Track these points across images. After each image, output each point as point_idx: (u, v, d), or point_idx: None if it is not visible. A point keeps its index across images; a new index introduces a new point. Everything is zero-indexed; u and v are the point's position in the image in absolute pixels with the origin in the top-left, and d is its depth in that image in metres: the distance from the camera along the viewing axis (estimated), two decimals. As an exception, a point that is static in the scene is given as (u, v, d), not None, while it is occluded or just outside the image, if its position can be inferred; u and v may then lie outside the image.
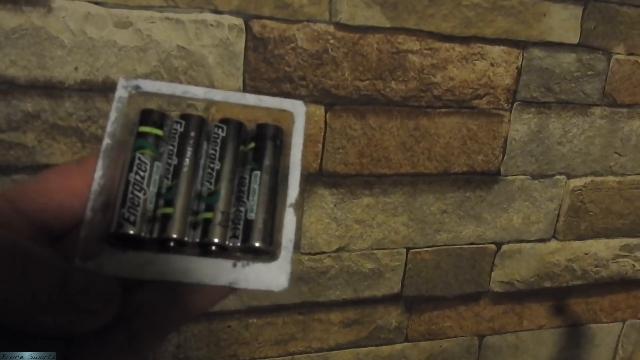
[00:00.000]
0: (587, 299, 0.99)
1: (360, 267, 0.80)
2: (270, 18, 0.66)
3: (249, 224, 0.23)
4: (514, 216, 0.87)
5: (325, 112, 0.71)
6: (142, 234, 0.22)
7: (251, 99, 0.26)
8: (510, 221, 0.87)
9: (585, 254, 0.94)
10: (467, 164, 0.81)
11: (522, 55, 0.78)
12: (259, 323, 0.78)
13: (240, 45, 0.65)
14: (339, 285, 0.80)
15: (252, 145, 0.25)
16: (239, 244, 0.23)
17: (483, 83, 0.78)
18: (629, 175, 0.92)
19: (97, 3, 0.59)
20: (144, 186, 0.23)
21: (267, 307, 0.78)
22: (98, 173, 0.23)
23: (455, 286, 0.87)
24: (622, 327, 1.05)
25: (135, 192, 0.23)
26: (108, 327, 0.20)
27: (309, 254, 0.77)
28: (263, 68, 0.67)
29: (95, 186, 0.22)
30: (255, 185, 0.24)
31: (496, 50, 0.77)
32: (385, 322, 0.85)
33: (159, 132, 0.24)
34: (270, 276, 0.23)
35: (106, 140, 0.23)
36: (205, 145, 0.25)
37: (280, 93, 0.68)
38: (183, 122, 0.24)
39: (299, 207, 0.23)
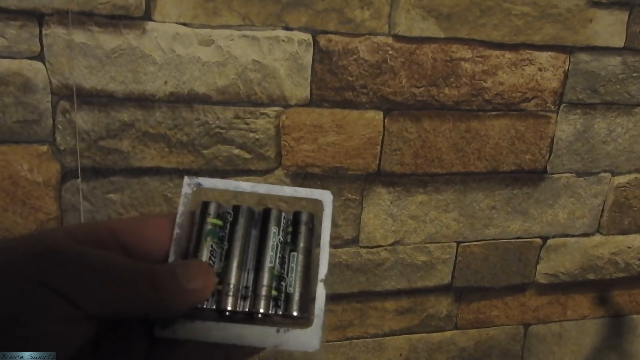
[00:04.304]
0: (630, 291, 1.02)
1: (413, 260, 0.86)
2: (335, 33, 0.72)
3: (288, 297, 0.29)
4: (560, 212, 0.91)
5: (384, 117, 0.77)
6: (205, 306, 0.28)
7: (288, 190, 0.31)
8: (555, 216, 0.91)
9: (629, 247, 0.98)
10: (515, 163, 0.86)
11: (569, 59, 0.83)
12: (320, 310, 0.85)
13: (308, 58, 0.72)
14: (394, 276, 0.86)
15: (290, 229, 0.30)
16: (280, 313, 0.29)
17: (531, 87, 0.82)
18: (672, 172, 0.95)
19: (184, 24, 0.66)
20: None
21: (328, 295, 0.84)
22: (172, 258, 0.28)
23: (502, 278, 0.93)
24: (665, 318, 1.08)
25: None
26: None
27: (367, 247, 0.83)
28: (328, 78, 0.73)
29: None
30: (293, 264, 0.29)
31: (544, 56, 0.81)
32: (436, 310, 0.91)
33: (218, 222, 0.29)
34: (305, 340, 0.28)
35: (176, 230, 0.29)
36: (252, 231, 0.30)
37: (344, 100, 0.75)
38: (232, 213, 0.30)
39: (328, 281, 0.30)
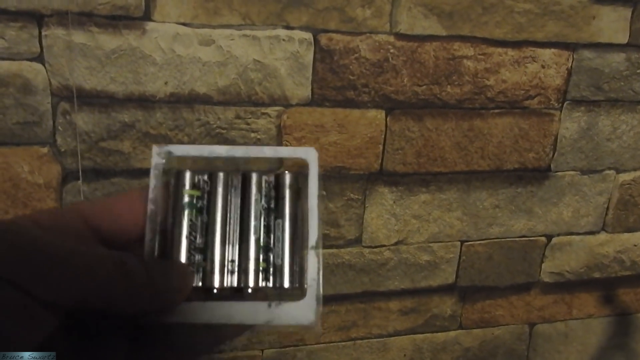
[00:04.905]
0: (636, 289, 1.02)
1: (417, 259, 0.86)
2: (336, 31, 0.71)
3: (277, 268, 0.27)
4: (564, 210, 0.90)
5: (386, 116, 0.77)
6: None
7: (268, 151, 0.28)
8: (560, 215, 0.90)
9: (634, 245, 0.97)
10: (518, 161, 0.85)
11: (572, 56, 0.82)
12: (324, 310, 0.85)
13: (309, 57, 0.71)
14: (398, 276, 0.86)
15: (273, 194, 0.28)
16: (270, 286, 0.27)
17: (534, 84, 0.82)
18: (678, 169, 0.94)
19: (184, 24, 0.66)
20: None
21: (331, 296, 0.84)
22: (148, 236, 0.26)
23: (507, 277, 0.92)
24: (671, 317, 1.07)
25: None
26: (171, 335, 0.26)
27: (370, 247, 0.83)
28: (329, 77, 0.73)
29: (146, 248, 0.26)
30: (279, 233, 0.27)
31: (547, 53, 0.81)
32: (440, 310, 0.91)
33: (195, 192, 0.27)
34: (299, 312, 0.26)
35: (150, 207, 0.26)
36: (232, 199, 0.27)
37: (345, 100, 0.74)
38: (209, 181, 0.27)
39: (319, 248, 0.27)
